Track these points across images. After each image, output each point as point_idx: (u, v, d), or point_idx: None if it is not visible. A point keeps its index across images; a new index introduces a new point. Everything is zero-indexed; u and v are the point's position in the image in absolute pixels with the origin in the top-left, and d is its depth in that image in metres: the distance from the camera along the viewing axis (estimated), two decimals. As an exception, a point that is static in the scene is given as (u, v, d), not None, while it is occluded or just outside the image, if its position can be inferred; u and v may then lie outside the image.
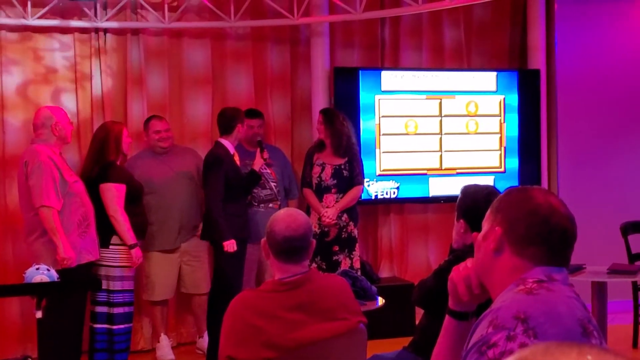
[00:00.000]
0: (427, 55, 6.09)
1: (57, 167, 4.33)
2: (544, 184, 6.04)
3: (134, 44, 5.43)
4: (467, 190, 2.94)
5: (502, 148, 5.97)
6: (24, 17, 5.13)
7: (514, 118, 5.98)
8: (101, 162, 4.59)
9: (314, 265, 5.01)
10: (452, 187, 5.72)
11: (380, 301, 3.88)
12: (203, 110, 5.59)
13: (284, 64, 5.81)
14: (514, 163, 5.98)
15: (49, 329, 3.68)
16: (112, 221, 4.54)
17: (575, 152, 6.13)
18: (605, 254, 4.90)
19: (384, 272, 5.97)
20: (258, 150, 5.00)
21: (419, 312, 3.78)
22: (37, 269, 3.41)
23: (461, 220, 2.88)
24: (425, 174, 5.82)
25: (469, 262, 1.67)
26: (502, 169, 5.97)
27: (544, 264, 1.54)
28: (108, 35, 5.39)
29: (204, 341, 5.14)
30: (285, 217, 2.55)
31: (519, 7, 6.27)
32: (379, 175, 5.72)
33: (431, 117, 5.82)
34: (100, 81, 5.35)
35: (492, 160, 5.97)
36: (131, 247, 4.56)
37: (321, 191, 5.18)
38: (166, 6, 5.37)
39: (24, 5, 5.11)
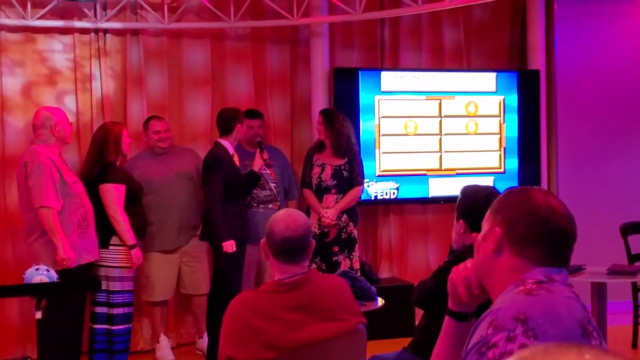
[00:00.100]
0: (427, 56, 6.09)
1: (57, 168, 4.33)
2: (544, 184, 6.04)
3: (133, 45, 5.43)
4: (466, 190, 2.94)
5: (502, 149, 5.98)
6: (24, 18, 5.13)
7: (513, 119, 5.98)
8: (101, 162, 4.59)
9: (314, 265, 5.01)
10: (451, 187, 5.72)
11: (380, 302, 3.87)
12: (203, 111, 5.59)
13: (283, 64, 5.81)
14: (513, 164, 5.98)
15: (49, 330, 3.68)
16: (112, 221, 4.54)
17: (575, 152, 6.13)
18: (605, 254, 4.90)
19: (384, 273, 5.97)
20: (257, 150, 5.00)
21: (419, 313, 3.78)
22: (37, 269, 3.40)
23: (461, 221, 2.88)
24: (425, 175, 5.82)
25: (468, 263, 1.67)
26: (502, 170, 5.97)
27: (544, 265, 1.54)
28: (108, 35, 5.39)
29: (203, 342, 5.14)
30: (285, 218, 2.56)
31: (518, 7, 6.27)
32: (379, 175, 5.72)
33: (431, 117, 5.82)
34: (100, 82, 5.35)
35: (492, 160, 5.97)
36: (131, 247, 4.56)
37: (321, 192, 5.18)
38: (166, 7, 5.37)
39: (24, 6, 5.11)
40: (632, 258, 5.09)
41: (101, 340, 4.65)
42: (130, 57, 5.41)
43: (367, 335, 2.64)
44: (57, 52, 5.33)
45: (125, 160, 4.89)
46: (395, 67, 5.96)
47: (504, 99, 5.96)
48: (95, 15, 5.30)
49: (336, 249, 5.14)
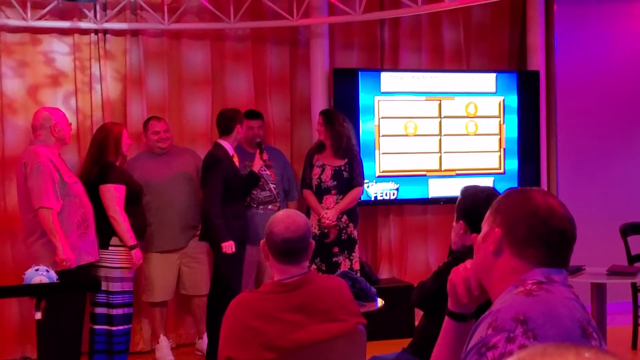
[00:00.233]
0: (427, 57, 6.09)
1: (56, 168, 4.33)
2: (544, 185, 6.04)
3: (133, 45, 5.44)
4: (467, 191, 2.94)
5: (502, 149, 5.98)
6: (23, 19, 5.13)
7: (513, 119, 5.98)
8: (100, 163, 4.59)
9: (314, 266, 5.01)
10: (451, 188, 5.72)
11: (380, 302, 3.88)
12: (202, 112, 5.59)
13: (283, 65, 5.81)
14: (513, 164, 5.98)
15: (48, 330, 3.68)
16: (112, 222, 4.54)
17: (575, 153, 6.13)
18: (604, 255, 4.89)
19: (384, 274, 5.97)
20: (257, 151, 5.00)
21: (419, 314, 3.78)
22: (37, 270, 3.40)
23: (461, 222, 2.88)
24: (425, 175, 5.82)
25: (468, 264, 1.67)
26: (502, 170, 5.97)
27: (544, 265, 1.54)
28: (108, 36, 5.39)
29: (203, 342, 5.14)
30: (285, 219, 2.56)
31: (518, 8, 6.27)
32: (379, 176, 5.72)
33: (430, 118, 5.82)
34: (100, 82, 5.35)
35: (492, 161, 5.97)
36: (131, 248, 4.56)
37: (321, 192, 5.18)
38: (166, 7, 5.37)
39: (24, 7, 5.12)
40: (632, 259, 5.09)
41: (101, 341, 4.65)
42: (130, 57, 5.41)
43: (366, 335, 2.64)
44: (57, 52, 5.33)
45: (125, 160, 4.89)
46: (395, 68, 5.96)
47: (503, 100, 5.96)
48: (95, 16, 5.30)
49: (336, 249, 5.14)
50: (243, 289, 4.79)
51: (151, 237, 4.99)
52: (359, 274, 4.84)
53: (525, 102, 6.00)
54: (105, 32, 5.38)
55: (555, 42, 6.09)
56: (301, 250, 2.54)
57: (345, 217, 5.17)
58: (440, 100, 5.84)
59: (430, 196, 5.84)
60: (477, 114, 5.92)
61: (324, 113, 5.26)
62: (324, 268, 5.07)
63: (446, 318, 1.72)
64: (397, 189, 5.76)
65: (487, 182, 5.78)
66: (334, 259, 5.12)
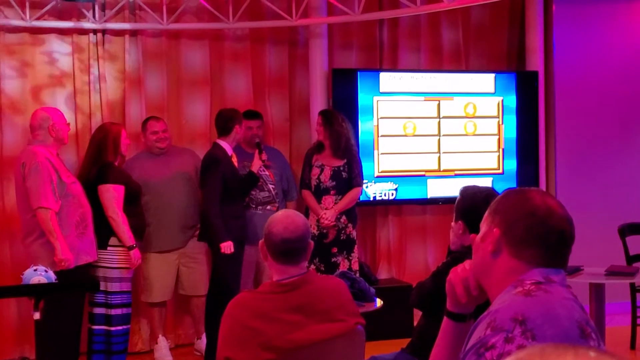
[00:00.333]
0: (426, 57, 6.09)
1: (55, 168, 4.33)
2: (542, 185, 6.04)
3: (132, 45, 5.43)
4: (466, 191, 2.94)
5: (500, 149, 5.98)
6: (22, 19, 5.13)
7: (512, 120, 5.99)
8: (99, 163, 4.59)
9: (312, 266, 5.01)
10: (450, 188, 5.72)
11: (379, 303, 3.88)
12: (201, 112, 5.59)
13: (282, 65, 5.81)
14: (512, 165, 5.99)
15: (47, 331, 3.68)
16: (111, 222, 4.53)
17: (574, 153, 6.13)
18: (603, 255, 4.90)
19: (383, 274, 5.97)
20: (256, 151, 5.00)
21: (417, 314, 3.78)
22: (35, 270, 3.40)
23: (460, 222, 2.88)
24: (424, 176, 5.82)
25: (467, 264, 1.68)
26: (500, 171, 5.97)
27: (542, 266, 1.54)
28: (106, 36, 5.39)
29: (202, 343, 5.13)
30: (283, 219, 2.56)
31: (517, 8, 6.27)
32: (378, 176, 5.72)
33: (429, 118, 5.82)
34: (99, 82, 5.35)
35: (490, 161, 5.97)
36: (130, 248, 4.56)
37: (320, 193, 5.18)
38: (164, 7, 5.37)
39: (22, 7, 5.11)
40: (631, 259, 5.09)
41: (99, 341, 4.65)
42: (129, 57, 5.41)
43: (365, 336, 2.64)
44: (56, 52, 5.32)
45: (123, 161, 4.89)
46: (394, 68, 5.96)
47: (502, 100, 5.97)
48: (94, 16, 5.30)
49: (335, 250, 5.14)
50: (242, 289, 4.79)
51: (150, 237, 4.98)
52: (357, 274, 4.83)
53: (524, 103, 6.00)
54: (104, 32, 5.38)
55: (554, 43, 6.09)
56: (300, 250, 2.54)
57: (344, 217, 5.17)
58: (439, 101, 5.84)
59: (429, 196, 5.84)
60: (476, 114, 5.92)
61: (323, 113, 5.25)
62: (323, 268, 5.07)
63: (445, 318, 1.72)
64: (396, 189, 5.76)
65: (485, 182, 5.79)
66: (333, 259, 5.12)
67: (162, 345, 5.17)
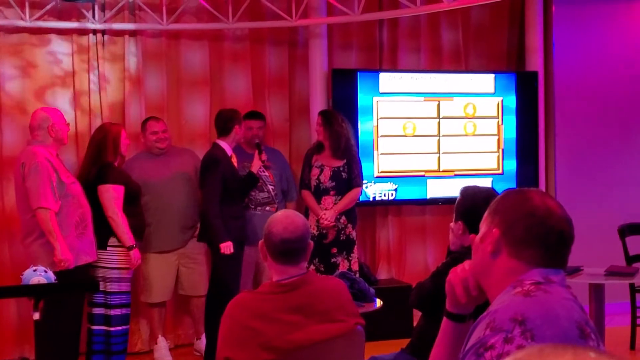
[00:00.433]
0: (425, 57, 6.09)
1: (54, 169, 4.33)
2: (542, 186, 6.04)
3: (132, 46, 5.43)
4: (466, 191, 2.94)
5: (500, 150, 5.98)
6: (21, 19, 5.13)
7: (511, 120, 5.99)
8: (99, 163, 4.59)
9: (312, 267, 5.01)
10: (450, 189, 5.72)
11: (378, 303, 3.88)
12: (201, 112, 5.59)
13: (282, 65, 5.81)
14: (511, 165, 5.99)
15: (47, 331, 3.68)
16: (111, 222, 4.53)
17: (573, 154, 6.13)
18: (602, 255, 4.90)
19: (382, 274, 5.97)
20: (256, 152, 5.00)
21: (417, 315, 3.78)
22: (35, 270, 3.40)
23: (460, 222, 2.88)
24: (423, 176, 5.82)
25: (466, 264, 1.68)
26: (500, 171, 5.97)
27: (542, 266, 1.54)
28: (106, 36, 5.39)
29: (201, 343, 5.13)
30: (283, 219, 2.56)
31: (516, 9, 6.27)
32: (377, 177, 5.72)
33: (429, 119, 5.82)
34: (98, 83, 5.35)
35: (490, 162, 5.97)
36: (130, 248, 4.56)
37: (320, 193, 5.18)
38: (164, 8, 5.37)
39: (22, 7, 5.11)
40: (630, 259, 5.09)
41: (99, 342, 4.65)
42: (128, 58, 5.41)
43: (365, 336, 2.64)
44: (55, 53, 5.32)
45: (123, 161, 4.89)
46: (393, 69, 5.96)
47: (502, 101, 5.97)
48: (93, 16, 5.30)
49: (335, 250, 5.14)
50: (241, 289, 4.79)
51: (149, 238, 4.98)
52: (357, 275, 4.83)
53: (523, 103, 6.01)
54: (104, 32, 5.38)
55: (554, 43, 6.09)
56: (300, 250, 2.54)
57: (343, 217, 5.17)
58: (438, 101, 5.84)
59: (428, 197, 5.84)
60: (476, 115, 5.92)
61: (322, 113, 5.25)
62: (323, 269, 5.07)
63: (444, 319, 1.72)
64: (395, 190, 5.76)
65: (485, 182, 5.79)
66: (333, 260, 5.12)
67: (162, 346, 5.17)
